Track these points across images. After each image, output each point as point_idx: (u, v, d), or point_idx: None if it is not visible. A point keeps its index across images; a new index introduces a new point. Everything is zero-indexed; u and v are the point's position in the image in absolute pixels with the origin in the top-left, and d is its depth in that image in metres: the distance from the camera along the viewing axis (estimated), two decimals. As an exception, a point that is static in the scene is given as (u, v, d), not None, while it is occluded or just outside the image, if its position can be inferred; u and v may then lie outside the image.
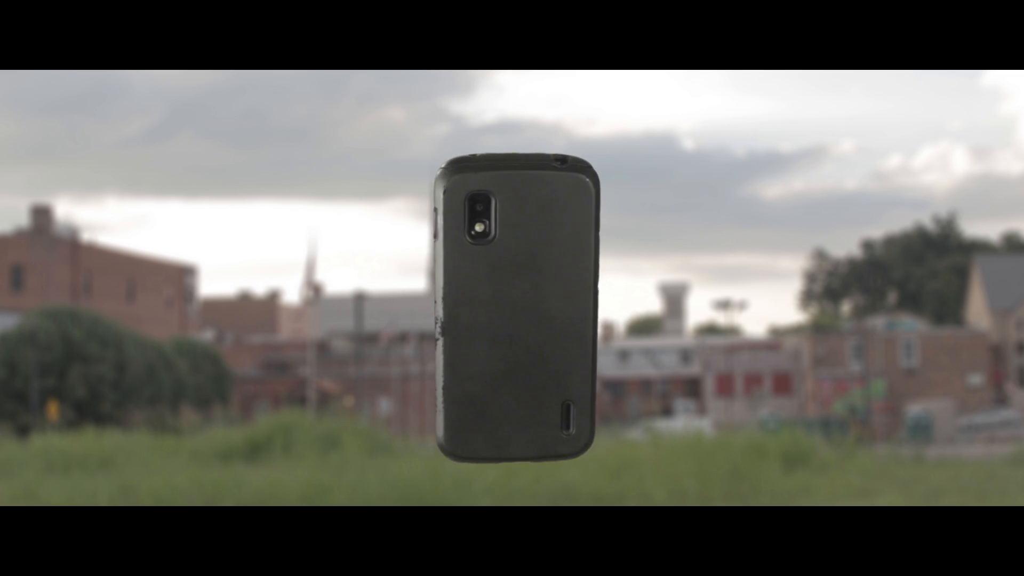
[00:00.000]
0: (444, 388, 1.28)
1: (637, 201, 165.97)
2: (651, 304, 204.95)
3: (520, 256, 1.26)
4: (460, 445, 1.29)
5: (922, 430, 51.07)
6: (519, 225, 1.26)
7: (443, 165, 1.27)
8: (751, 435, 24.62)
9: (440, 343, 1.27)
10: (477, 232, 1.26)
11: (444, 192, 1.26)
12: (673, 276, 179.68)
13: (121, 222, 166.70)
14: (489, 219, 1.26)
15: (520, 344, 1.27)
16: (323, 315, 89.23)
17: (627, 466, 20.39)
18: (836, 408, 64.38)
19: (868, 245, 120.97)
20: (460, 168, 1.26)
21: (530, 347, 1.27)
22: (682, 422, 43.85)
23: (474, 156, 1.26)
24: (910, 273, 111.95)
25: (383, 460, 22.14)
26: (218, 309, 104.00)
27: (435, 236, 1.27)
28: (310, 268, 67.22)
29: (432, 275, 1.28)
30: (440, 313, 1.27)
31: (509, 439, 1.28)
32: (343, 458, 22.65)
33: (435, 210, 1.27)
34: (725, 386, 72.01)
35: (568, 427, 1.28)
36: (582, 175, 1.25)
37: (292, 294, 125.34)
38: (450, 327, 1.27)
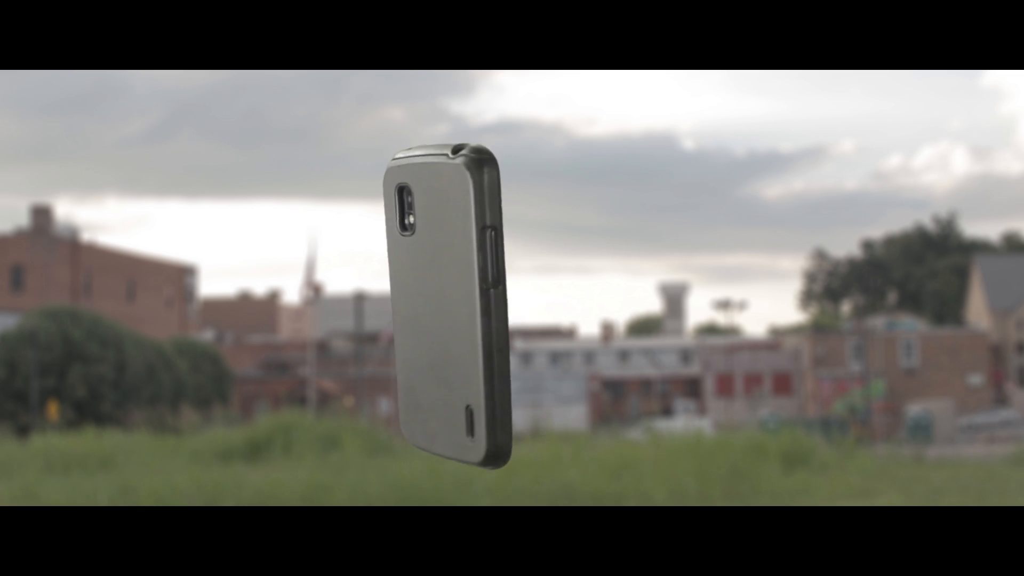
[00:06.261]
0: (398, 375, 1.31)
1: (637, 201, 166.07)
2: (651, 304, 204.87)
3: (428, 249, 1.24)
4: (407, 431, 1.31)
5: (922, 430, 51.05)
6: (427, 217, 1.24)
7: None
8: (751, 435, 24.63)
9: (396, 337, 1.30)
10: (408, 224, 1.26)
11: (383, 184, 1.27)
12: (673, 276, 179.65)
13: (121, 222, 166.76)
14: (414, 211, 1.26)
15: (434, 342, 1.25)
16: (323, 315, 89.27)
17: (627, 466, 20.39)
18: (836, 408, 64.37)
19: (868, 245, 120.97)
20: (395, 160, 1.26)
21: (440, 346, 1.24)
22: (682, 422, 43.85)
23: (412, 148, 1.25)
24: (910, 273, 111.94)
25: (383, 460, 22.14)
26: (218, 309, 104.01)
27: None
28: (310, 268, 67.24)
29: None
30: (393, 306, 1.29)
31: (435, 434, 1.26)
32: (343, 458, 22.65)
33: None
34: (725, 386, 71.99)
35: (471, 434, 1.22)
36: (463, 167, 1.18)
37: (292, 294, 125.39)
38: (395, 318, 1.29)
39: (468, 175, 1.18)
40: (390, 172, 1.27)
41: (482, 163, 1.18)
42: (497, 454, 1.20)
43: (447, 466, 17.39)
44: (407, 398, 1.30)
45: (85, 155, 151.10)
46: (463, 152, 1.19)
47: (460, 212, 1.19)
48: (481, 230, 1.18)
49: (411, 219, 1.25)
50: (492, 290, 1.19)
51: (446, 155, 1.20)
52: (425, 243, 1.24)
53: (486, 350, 1.20)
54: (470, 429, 1.22)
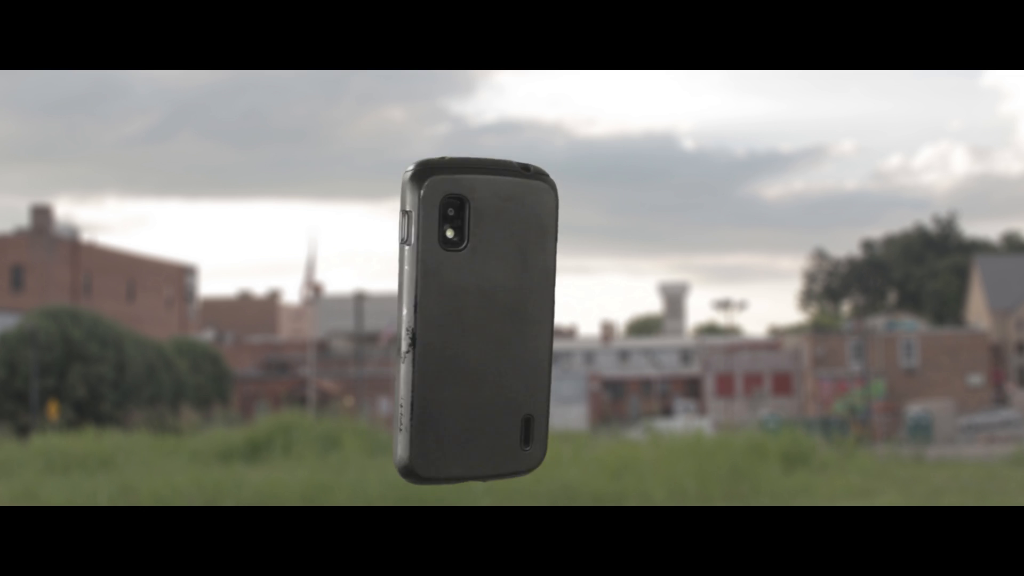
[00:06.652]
0: (413, 404, 1.20)
1: (637, 201, 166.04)
2: (651, 304, 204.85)
3: (489, 264, 1.21)
4: (426, 466, 1.20)
5: (922, 430, 51.05)
6: (490, 233, 1.21)
7: (412, 166, 1.20)
8: (751, 435, 24.64)
9: (409, 355, 1.19)
10: (448, 238, 1.20)
11: (421, 194, 1.19)
12: (673, 276, 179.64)
13: (121, 222, 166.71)
14: (462, 225, 1.20)
15: (487, 356, 1.22)
16: (323, 315, 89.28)
17: (627, 466, 20.39)
18: (836, 408, 64.37)
19: (868, 245, 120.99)
20: (434, 169, 1.20)
21: (496, 359, 1.22)
22: (682, 422, 43.85)
23: (443, 159, 1.20)
24: (910, 273, 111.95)
25: (383, 460, 22.14)
26: (218, 309, 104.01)
27: (404, 241, 1.19)
28: (310, 268, 67.27)
29: (399, 282, 1.20)
30: (411, 323, 1.19)
31: (473, 457, 1.22)
32: (343, 458, 22.66)
33: (406, 213, 1.19)
34: (725, 386, 72.00)
35: (528, 442, 1.22)
36: (548, 184, 1.22)
37: (292, 294, 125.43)
38: (421, 338, 1.20)
39: (554, 193, 1.23)
40: (432, 183, 1.19)
41: (554, 184, 1.24)
42: (545, 456, 1.24)
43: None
44: (433, 429, 1.21)
45: (85, 155, 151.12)
46: (534, 170, 1.23)
47: (537, 228, 1.22)
48: (555, 244, 1.24)
49: (452, 233, 1.20)
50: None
51: (519, 172, 1.22)
52: (482, 257, 1.21)
53: (551, 358, 1.24)
54: (526, 438, 1.22)
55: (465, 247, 1.21)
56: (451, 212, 1.20)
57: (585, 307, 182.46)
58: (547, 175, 1.23)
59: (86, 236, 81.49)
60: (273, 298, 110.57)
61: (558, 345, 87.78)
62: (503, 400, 1.22)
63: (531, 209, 1.21)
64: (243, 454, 24.50)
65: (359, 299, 60.51)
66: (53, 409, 47.64)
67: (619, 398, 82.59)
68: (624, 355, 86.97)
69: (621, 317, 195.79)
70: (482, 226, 1.21)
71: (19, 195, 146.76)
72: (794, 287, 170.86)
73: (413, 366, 1.19)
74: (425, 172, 1.20)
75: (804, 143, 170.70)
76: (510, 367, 1.22)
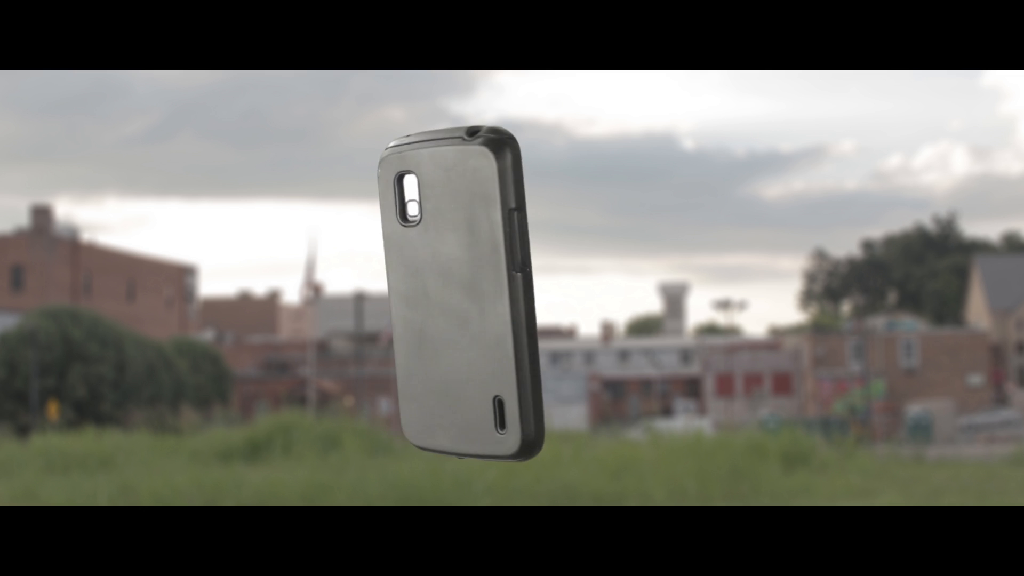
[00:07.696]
0: (402, 378, 1.23)
1: (637, 201, 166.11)
2: (651, 304, 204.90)
3: (441, 238, 1.19)
4: (414, 434, 1.24)
5: (922, 430, 51.05)
6: (439, 205, 1.19)
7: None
8: (751, 435, 24.61)
9: (395, 333, 1.22)
10: (410, 215, 1.20)
11: (378, 174, 1.21)
12: (673, 276, 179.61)
13: (121, 222, 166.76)
14: (417, 201, 1.20)
15: (449, 332, 1.20)
16: (323, 315, 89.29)
17: (627, 466, 20.38)
18: (836, 408, 64.36)
19: (868, 245, 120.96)
20: (392, 148, 1.20)
21: (461, 339, 1.19)
22: (682, 422, 43.83)
23: (409, 135, 1.20)
24: (910, 273, 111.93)
25: (383, 460, 22.13)
26: (218, 309, 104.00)
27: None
28: (310, 268, 67.29)
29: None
30: (391, 303, 1.21)
31: (455, 433, 1.21)
32: (343, 458, 22.64)
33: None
34: (725, 386, 71.98)
35: (502, 426, 1.18)
36: (486, 147, 1.15)
37: (292, 294, 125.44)
38: (399, 317, 1.22)
39: (492, 156, 1.15)
40: (387, 160, 1.20)
41: (503, 143, 1.15)
42: (531, 444, 1.17)
43: (447, 466, 17.38)
44: (415, 399, 1.23)
45: (85, 155, 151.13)
46: (481, 133, 1.16)
47: (481, 196, 1.16)
48: (508, 212, 1.15)
49: (414, 208, 1.20)
50: (519, 273, 1.17)
51: (461, 138, 1.16)
52: (435, 231, 1.19)
53: (516, 336, 1.16)
54: (500, 422, 1.18)
55: (420, 221, 1.20)
56: (411, 187, 1.20)
57: (585, 307, 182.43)
58: (495, 136, 1.15)
59: (86, 236, 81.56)
60: (273, 298, 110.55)
61: (558, 345, 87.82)
62: (469, 377, 1.19)
63: (472, 176, 1.16)
64: (243, 454, 24.48)
65: (359, 299, 60.52)
66: (53, 409, 47.63)
67: (619, 398, 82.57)
68: (624, 355, 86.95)
69: (621, 317, 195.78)
70: (431, 199, 1.19)
71: (19, 195, 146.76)
72: (794, 287, 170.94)
73: (399, 344, 1.22)
74: (385, 152, 1.21)
75: (804, 143, 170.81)
76: (471, 344, 1.19)
